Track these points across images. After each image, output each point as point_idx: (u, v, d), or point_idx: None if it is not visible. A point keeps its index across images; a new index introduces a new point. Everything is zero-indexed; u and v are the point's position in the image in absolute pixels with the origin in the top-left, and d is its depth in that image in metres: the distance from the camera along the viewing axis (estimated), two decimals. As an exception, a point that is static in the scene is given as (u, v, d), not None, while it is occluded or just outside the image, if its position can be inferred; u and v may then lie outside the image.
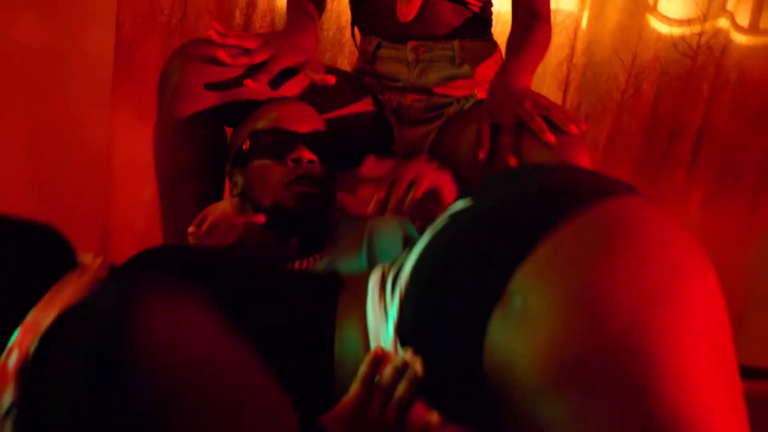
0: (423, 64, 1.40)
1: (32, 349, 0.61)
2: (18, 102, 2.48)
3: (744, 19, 1.97)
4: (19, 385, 0.59)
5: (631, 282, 0.57)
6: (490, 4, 1.50)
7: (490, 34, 1.50)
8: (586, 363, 0.55)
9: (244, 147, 1.16)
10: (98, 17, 2.36)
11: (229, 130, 1.33)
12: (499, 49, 1.51)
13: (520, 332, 0.57)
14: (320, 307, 0.71)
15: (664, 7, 1.98)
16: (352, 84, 1.44)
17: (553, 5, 1.94)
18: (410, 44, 1.40)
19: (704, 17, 1.94)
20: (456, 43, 1.39)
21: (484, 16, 1.48)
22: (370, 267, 0.87)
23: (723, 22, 1.94)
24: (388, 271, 0.71)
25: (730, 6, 1.95)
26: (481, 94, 1.40)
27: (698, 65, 1.97)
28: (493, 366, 0.59)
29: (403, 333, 0.66)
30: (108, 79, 2.27)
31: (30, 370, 0.59)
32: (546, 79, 2.02)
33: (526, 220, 0.63)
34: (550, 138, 1.07)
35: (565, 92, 2.03)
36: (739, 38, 1.96)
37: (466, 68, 1.39)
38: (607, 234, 0.61)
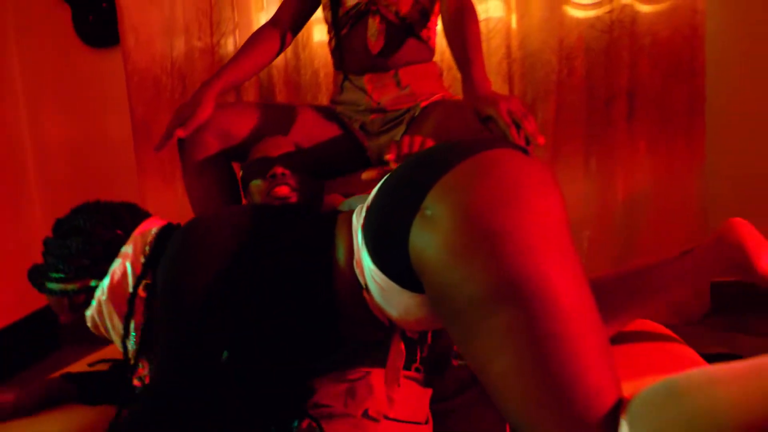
0: (376, 89, 1.79)
1: (146, 247, 1.21)
2: (58, 186, 2.90)
3: (645, -9, 2.33)
4: (137, 263, 1.21)
5: (492, 195, 0.94)
6: (435, 33, 1.88)
7: (431, 57, 1.88)
8: (467, 245, 0.92)
9: (239, 175, 1.57)
10: (113, 106, 2.79)
11: (235, 165, 1.75)
12: (437, 66, 1.89)
13: (429, 230, 0.94)
14: (326, 223, 1.17)
15: (576, -4, 2.35)
16: (326, 115, 1.84)
17: (483, 14, 2.34)
18: (366, 77, 1.79)
19: (610, -3, 2.32)
20: (400, 71, 1.77)
21: (430, 43, 1.86)
22: None
23: (626, -1, 2.31)
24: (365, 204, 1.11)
25: (629, -16, 2.31)
26: (423, 104, 1.77)
27: (615, 38, 2.33)
28: (414, 252, 0.96)
29: (365, 230, 1.04)
30: (131, 154, 2.67)
31: (150, 254, 1.21)
32: (491, 75, 2.38)
33: (435, 163, 1.01)
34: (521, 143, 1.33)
35: (510, 84, 2.40)
36: (644, 8, 2.32)
37: (408, 88, 1.77)
38: (482, 169, 0.98)
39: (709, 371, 0.85)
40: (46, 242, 1.27)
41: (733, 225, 1.34)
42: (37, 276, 1.27)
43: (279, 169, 1.50)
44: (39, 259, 1.28)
